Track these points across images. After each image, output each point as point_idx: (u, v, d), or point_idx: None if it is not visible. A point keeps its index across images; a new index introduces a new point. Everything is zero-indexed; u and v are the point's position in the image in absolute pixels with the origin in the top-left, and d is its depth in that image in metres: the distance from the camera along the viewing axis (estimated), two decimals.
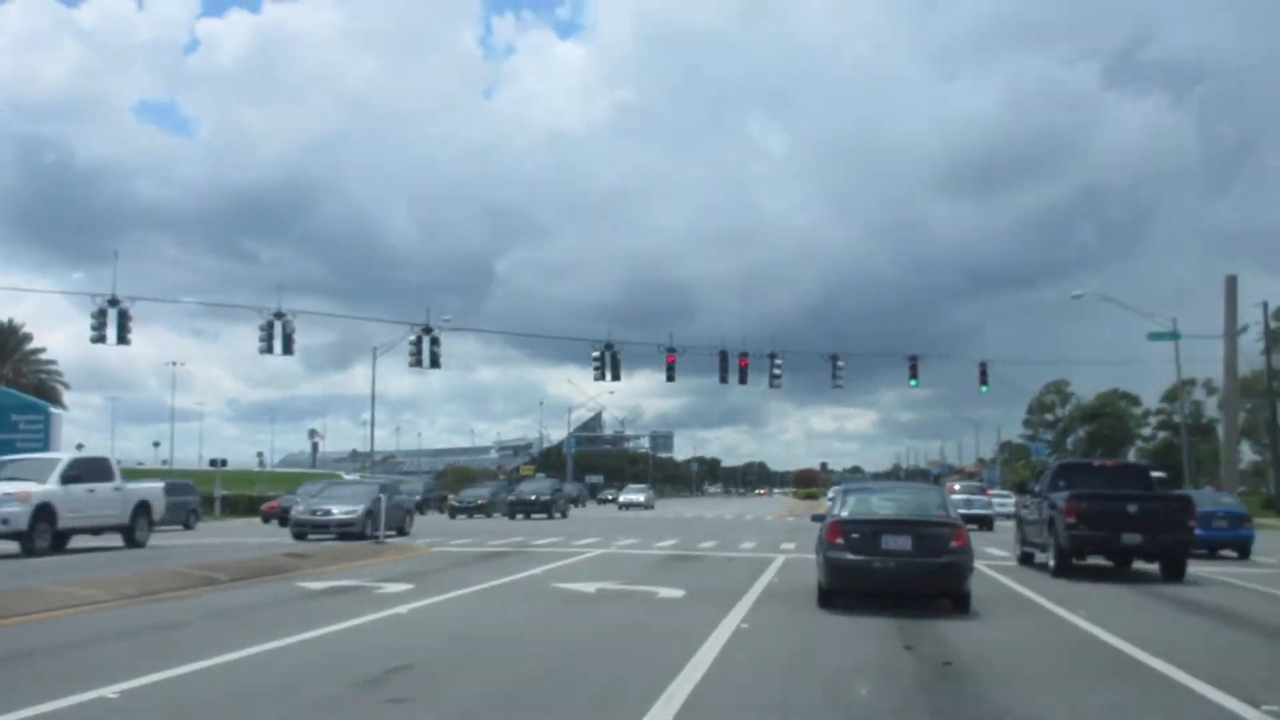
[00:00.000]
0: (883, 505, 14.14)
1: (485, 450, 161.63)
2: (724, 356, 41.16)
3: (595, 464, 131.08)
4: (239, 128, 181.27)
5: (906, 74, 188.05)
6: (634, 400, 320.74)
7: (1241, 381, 52.02)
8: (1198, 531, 20.86)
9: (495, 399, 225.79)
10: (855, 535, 12.92)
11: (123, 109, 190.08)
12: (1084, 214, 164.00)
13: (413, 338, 38.57)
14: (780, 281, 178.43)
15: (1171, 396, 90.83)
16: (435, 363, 39.16)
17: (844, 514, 13.58)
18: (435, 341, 38.76)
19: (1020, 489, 25.70)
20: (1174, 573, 18.26)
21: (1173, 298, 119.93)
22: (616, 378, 41.59)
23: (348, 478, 62.52)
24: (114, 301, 33.31)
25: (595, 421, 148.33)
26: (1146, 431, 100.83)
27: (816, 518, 15.93)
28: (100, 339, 33.83)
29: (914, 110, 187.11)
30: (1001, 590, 16.03)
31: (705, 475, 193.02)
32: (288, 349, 36.21)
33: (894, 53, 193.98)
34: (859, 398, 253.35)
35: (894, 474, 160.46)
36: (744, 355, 41.48)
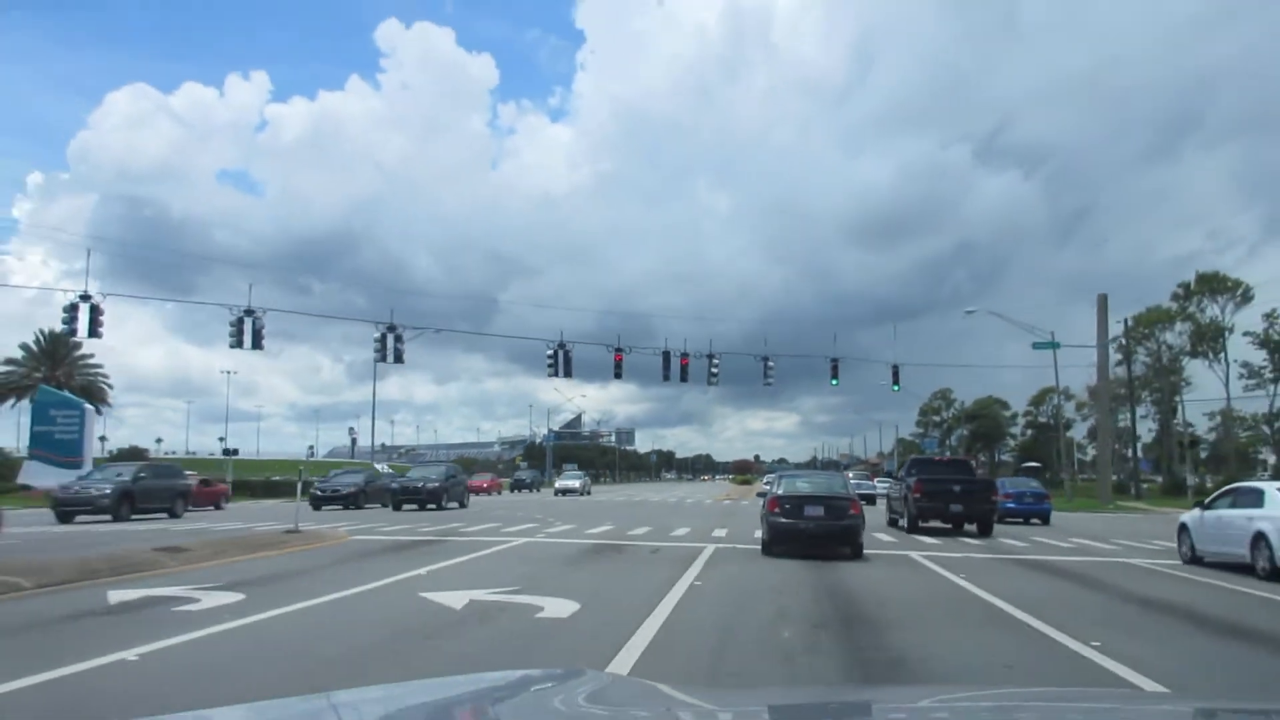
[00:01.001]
0: (805, 485, 15.45)
1: (490, 445, 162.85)
2: (666, 356, 36.10)
3: (572, 455, 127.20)
4: (298, 190, 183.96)
5: (823, 153, 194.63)
6: (609, 405, 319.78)
7: (1093, 388, 48.14)
8: (1012, 504, 26.25)
9: (498, 404, 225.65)
10: (787, 505, 14.35)
11: (206, 175, 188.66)
12: (958, 262, 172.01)
13: (377, 335, 32.68)
14: (724, 313, 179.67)
15: (1037, 401, 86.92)
16: (399, 358, 33.15)
17: (779, 492, 14.88)
18: (399, 339, 32.93)
19: (889, 475, 27.75)
20: (985, 531, 20.73)
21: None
22: (569, 374, 36.03)
23: (382, 468, 55.34)
24: (85, 297, 27.24)
25: (576, 421, 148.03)
26: (1016, 430, 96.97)
27: (761, 494, 18.73)
28: (71, 332, 27.86)
29: (828, 181, 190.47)
30: (878, 542, 17.59)
31: (662, 464, 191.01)
32: (256, 344, 30.05)
33: (813, 136, 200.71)
34: (785, 403, 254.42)
35: (812, 464, 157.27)
36: (685, 355, 36.50)
